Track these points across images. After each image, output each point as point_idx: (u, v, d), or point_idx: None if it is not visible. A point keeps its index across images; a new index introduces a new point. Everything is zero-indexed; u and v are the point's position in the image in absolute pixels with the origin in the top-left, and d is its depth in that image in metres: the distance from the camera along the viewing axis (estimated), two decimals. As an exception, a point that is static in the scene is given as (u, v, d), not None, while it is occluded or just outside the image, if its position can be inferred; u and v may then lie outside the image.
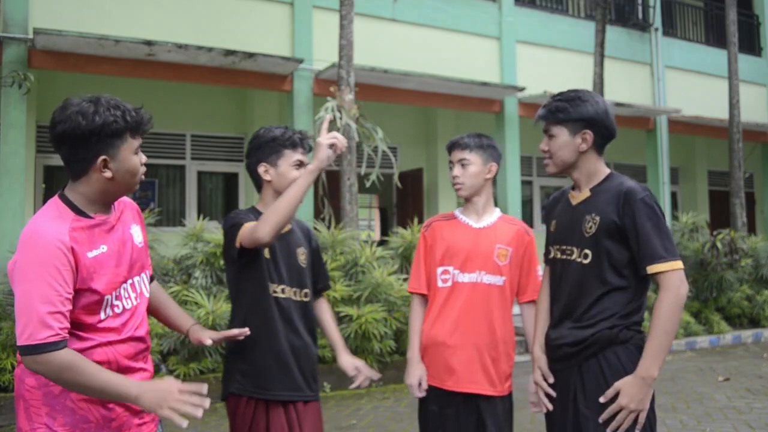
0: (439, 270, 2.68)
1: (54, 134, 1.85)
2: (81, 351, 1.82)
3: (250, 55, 7.87)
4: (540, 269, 2.68)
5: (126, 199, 2.06)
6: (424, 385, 2.66)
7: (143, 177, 1.99)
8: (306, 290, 2.61)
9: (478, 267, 2.62)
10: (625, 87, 11.84)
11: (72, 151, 1.83)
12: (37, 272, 1.73)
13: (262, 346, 2.46)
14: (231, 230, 2.44)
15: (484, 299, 2.62)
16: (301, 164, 2.57)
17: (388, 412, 5.50)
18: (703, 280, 9.38)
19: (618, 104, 10.85)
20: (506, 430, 2.64)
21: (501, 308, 2.64)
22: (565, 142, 2.34)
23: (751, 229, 13.81)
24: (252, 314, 2.48)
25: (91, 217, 1.87)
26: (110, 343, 1.87)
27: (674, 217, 11.33)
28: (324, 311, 2.79)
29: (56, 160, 8.85)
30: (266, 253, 2.48)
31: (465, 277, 2.63)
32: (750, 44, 14.26)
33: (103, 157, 1.84)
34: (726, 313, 9.54)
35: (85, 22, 7.60)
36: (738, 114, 11.60)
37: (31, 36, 7.20)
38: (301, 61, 8.39)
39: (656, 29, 12.51)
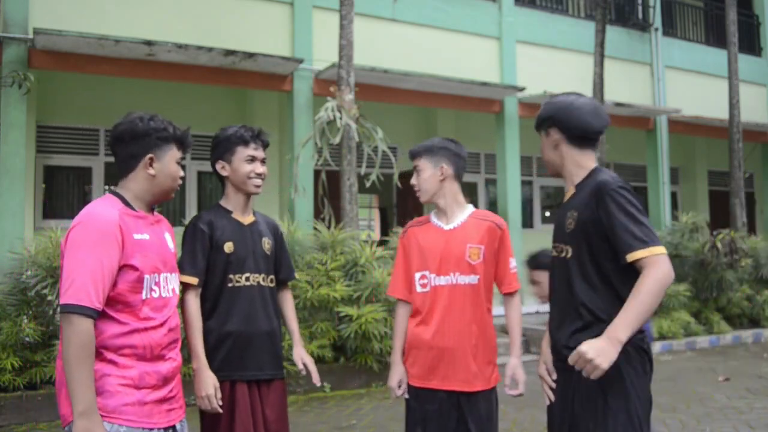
0: (417, 275, 2.76)
1: (114, 134, 2.19)
2: (120, 335, 2.01)
3: (250, 55, 7.87)
4: (512, 261, 2.79)
5: (161, 216, 2.31)
6: (404, 387, 2.77)
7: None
8: (272, 276, 2.82)
9: (452, 269, 2.70)
10: (625, 87, 11.83)
11: (127, 148, 2.17)
12: (90, 245, 1.97)
13: (221, 332, 2.68)
14: (181, 260, 2.63)
15: (461, 299, 2.69)
16: (253, 159, 2.76)
17: (388, 412, 5.50)
18: (703, 280, 9.38)
19: (618, 104, 10.85)
20: (488, 427, 2.68)
21: (477, 306, 2.71)
22: (544, 144, 2.47)
23: (751, 229, 13.80)
24: (214, 303, 2.71)
25: (135, 210, 2.16)
26: (146, 329, 2.07)
27: (674, 217, 11.33)
28: (286, 302, 2.97)
29: (56, 160, 8.85)
30: (228, 248, 2.70)
31: (442, 280, 2.71)
32: (750, 44, 14.25)
33: (150, 155, 2.17)
34: (726, 313, 9.54)
35: (85, 22, 7.59)
36: (738, 114, 11.59)
37: (31, 36, 7.19)
38: (301, 61, 8.39)
39: (656, 29, 12.50)
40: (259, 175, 2.76)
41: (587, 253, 2.25)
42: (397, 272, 2.86)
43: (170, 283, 2.21)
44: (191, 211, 9.81)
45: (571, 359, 2.04)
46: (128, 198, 2.17)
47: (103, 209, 2.07)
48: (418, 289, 2.75)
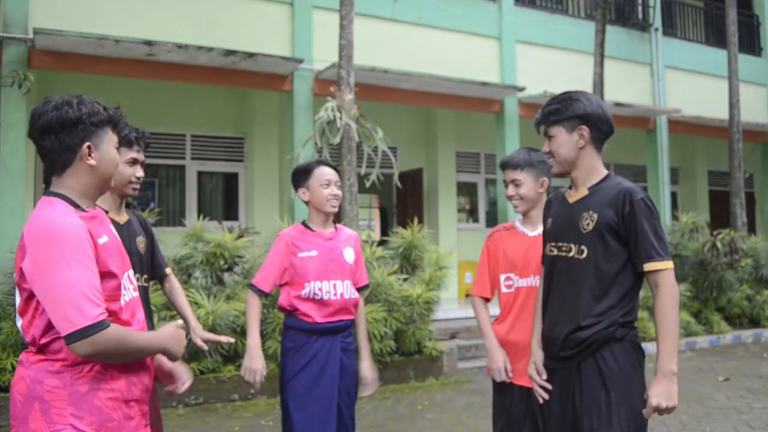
0: (503, 276, 2.93)
1: (40, 125, 1.89)
2: None
3: (250, 55, 7.87)
4: None
5: (100, 209, 2.12)
6: (509, 368, 2.83)
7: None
8: (146, 276, 2.83)
9: (533, 272, 2.82)
10: (625, 87, 11.83)
11: (58, 140, 1.89)
12: (71, 259, 1.75)
13: None
14: None
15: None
16: (135, 162, 2.73)
17: (388, 412, 5.50)
18: (703, 280, 9.38)
19: (618, 104, 10.85)
20: None
21: None
22: (564, 140, 2.42)
23: (751, 229, 13.81)
24: None
25: (85, 210, 1.93)
26: None
27: (674, 217, 11.33)
28: (174, 291, 2.99)
29: (56, 160, 8.85)
30: None
31: (523, 282, 2.85)
32: (750, 44, 14.25)
33: (88, 143, 1.91)
34: (726, 313, 9.55)
35: (85, 22, 7.60)
36: (738, 114, 11.60)
37: (31, 36, 7.20)
38: (301, 61, 8.39)
39: (656, 29, 12.51)
40: (138, 179, 2.74)
41: (603, 256, 2.31)
42: (483, 273, 3.01)
43: (132, 280, 2.08)
44: (191, 211, 9.81)
45: (648, 415, 2.19)
46: (74, 198, 1.92)
47: (63, 217, 1.82)
48: (503, 289, 2.92)
